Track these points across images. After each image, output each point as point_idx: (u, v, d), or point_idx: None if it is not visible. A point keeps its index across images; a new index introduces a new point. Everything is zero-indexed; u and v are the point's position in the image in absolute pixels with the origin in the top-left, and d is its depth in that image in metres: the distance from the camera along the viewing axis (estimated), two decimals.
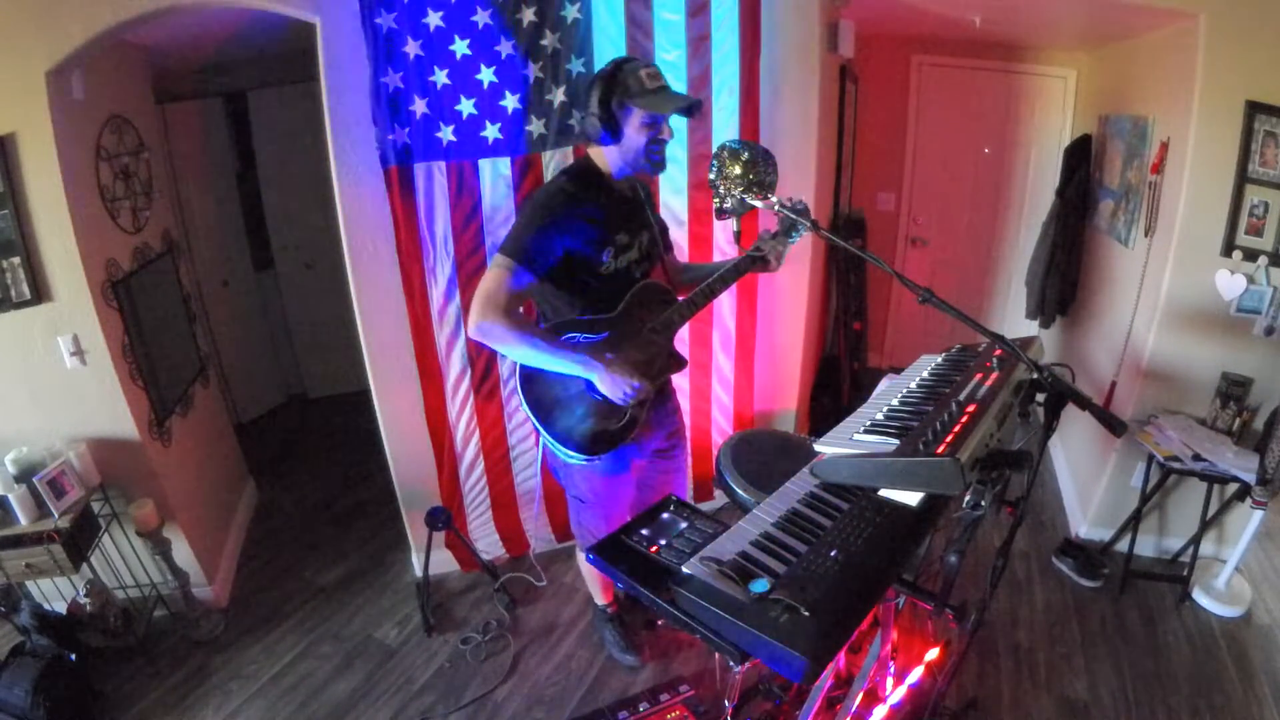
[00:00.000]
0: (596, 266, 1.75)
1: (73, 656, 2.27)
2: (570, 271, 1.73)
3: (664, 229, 2.03)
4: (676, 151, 2.46)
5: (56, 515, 2.22)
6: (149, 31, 2.50)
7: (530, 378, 1.78)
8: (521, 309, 1.70)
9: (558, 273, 1.72)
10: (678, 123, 2.14)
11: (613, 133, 1.69)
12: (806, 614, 0.97)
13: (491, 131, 2.28)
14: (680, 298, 1.89)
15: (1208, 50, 2.26)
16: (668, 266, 2.00)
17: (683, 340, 2.03)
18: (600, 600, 2.43)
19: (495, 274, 1.65)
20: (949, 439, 1.19)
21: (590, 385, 1.74)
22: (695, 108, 1.71)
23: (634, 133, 1.69)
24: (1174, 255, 2.46)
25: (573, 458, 1.80)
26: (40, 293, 2.23)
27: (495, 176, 2.35)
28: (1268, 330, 2.44)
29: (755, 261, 1.87)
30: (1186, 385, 2.61)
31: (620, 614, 2.45)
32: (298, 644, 2.58)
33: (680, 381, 2.68)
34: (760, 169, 1.83)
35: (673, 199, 2.58)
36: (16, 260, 2.18)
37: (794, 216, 1.65)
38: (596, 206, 1.73)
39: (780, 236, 1.90)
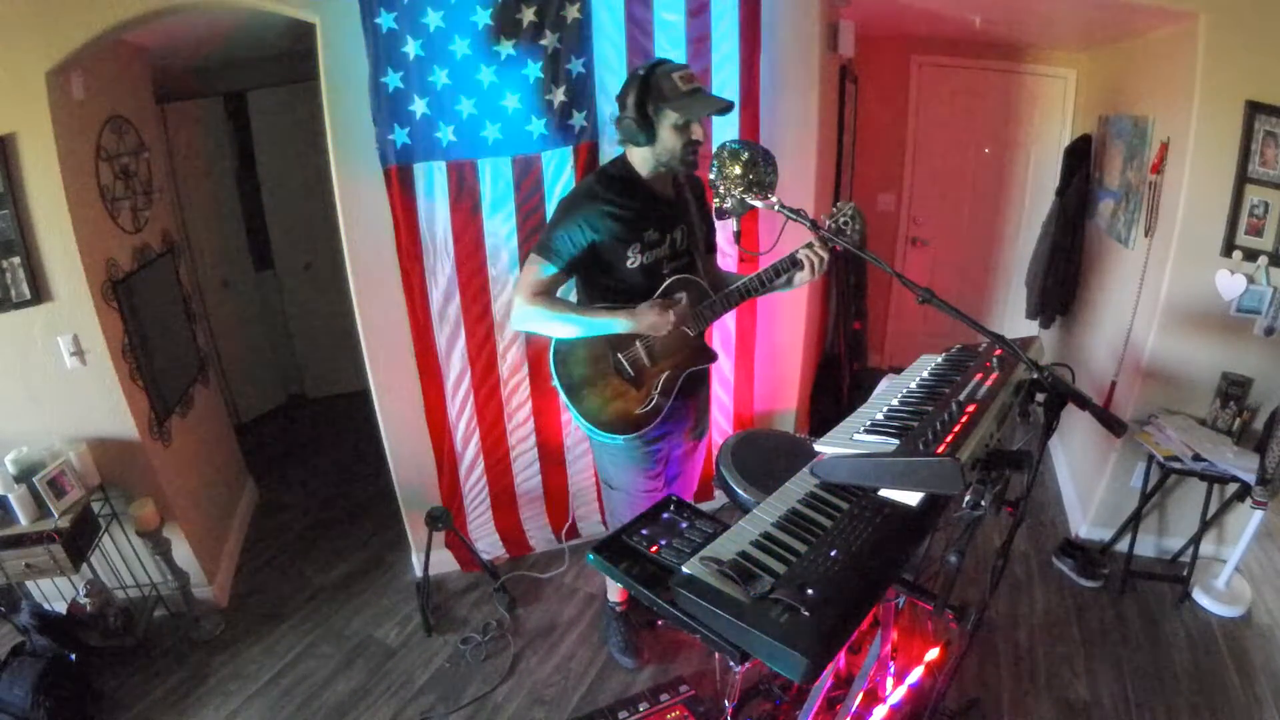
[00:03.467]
0: (623, 261, 1.84)
1: (73, 656, 2.27)
2: (597, 266, 1.84)
3: (708, 227, 2.09)
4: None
5: (56, 515, 2.21)
6: (149, 31, 2.50)
7: (563, 357, 1.91)
8: (556, 293, 1.85)
9: (585, 266, 1.84)
10: None
11: (648, 136, 1.75)
12: (806, 614, 0.97)
13: (491, 131, 2.28)
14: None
15: (1208, 50, 2.26)
16: (706, 267, 2.06)
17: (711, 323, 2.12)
18: (614, 597, 2.44)
19: (527, 270, 1.84)
20: (949, 439, 1.19)
21: (617, 367, 1.89)
22: (727, 110, 1.78)
23: (668, 135, 1.75)
24: (1174, 255, 2.46)
25: (598, 435, 1.93)
26: (40, 293, 2.23)
27: (495, 176, 2.35)
28: (1268, 330, 2.44)
29: (795, 264, 1.85)
30: (1186, 385, 2.61)
31: (628, 613, 2.46)
32: (298, 644, 2.58)
33: None
34: (760, 169, 1.83)
35: None
36: (16, 260, 2.18)
37: (793, 216, 1.64)
38: (623, 207, 1.81)
39: (824, 243, 1.87)
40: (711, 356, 2.04)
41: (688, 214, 1.97)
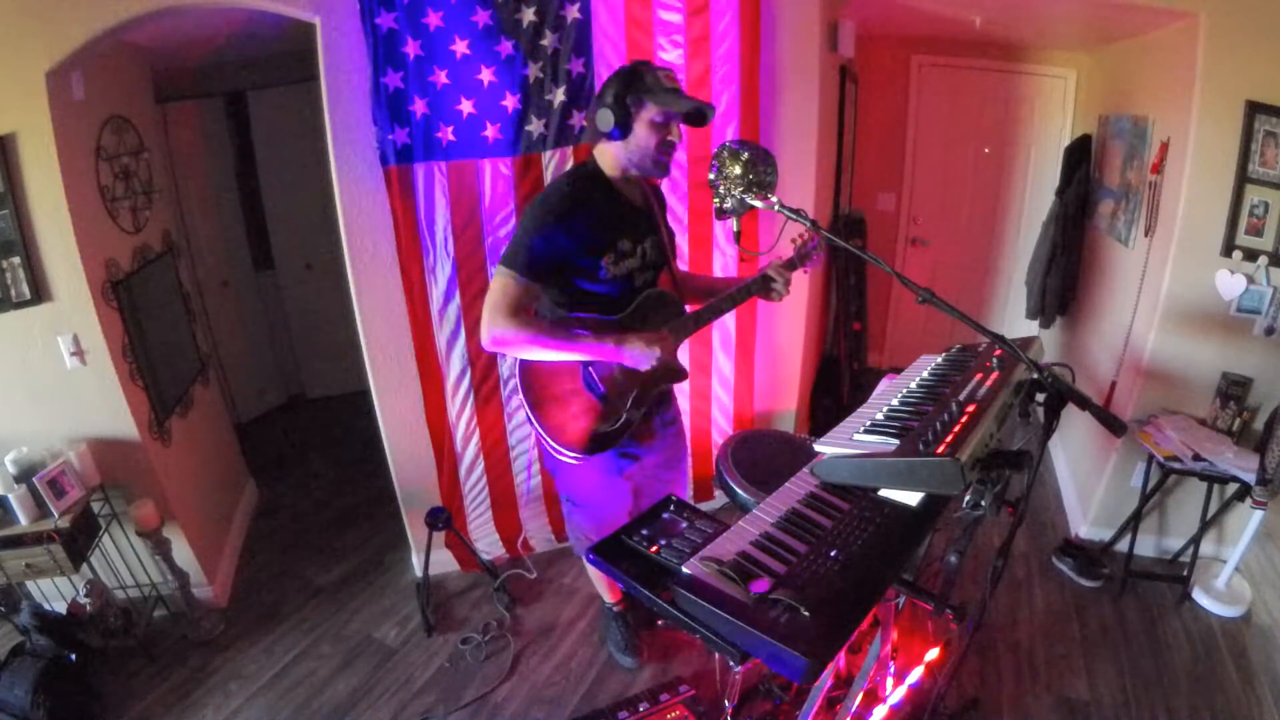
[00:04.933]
0: (595, 272, 1.74)
1: (73, 656, 2.27)
2: (570, 277, 1.73)
3: (671, 236, 2.02)
4: (678, 152, 2.47)
5: (56, 515, 2.21)
6: (149, 31, 2.50)
7: (529, 373, 1.79)
8: (529, 311, 1.71)
9: (558, 278, 1.72)
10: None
11: (623, 128, 1.67)
12: (806, 614, 0.97)
13: (491, 131, 2.28)
14: (688, 308, 1.90)
15: (1208, 50, 2.26)
16: (673, 275, 2.00)
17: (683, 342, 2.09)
18: (608, 599, 2.43)
19: (498, 284, 1.67)
20: (949, 439, 1.19)
21: (588, 383, 1.77)
22: (707, 111, 1.69)
23: (644, 130, 1.68)
24: (1174, 255, 2.46)
25: (564, 455, 1.81)
26: (40, 293, 2.23)
27: (495, 176, 2.35)
28: (1268, 330, 2.44)
29: (765, 283, 1.88)
30: (1186, 385, 2.61)
31: (625, 613, 2.45)
32: (298, 644, 2.58)
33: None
34: (760, 169, 1.83)
35: (672, 200, 2.58)
36: (16, 260, 2.18)
37: (793, 216, 1.64)
38: (596, 211, 1.72)
39: (790, 265, 1.91)
40: (682, 375, 1.97)
41: (656, 224, 1.90)
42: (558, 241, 1.67)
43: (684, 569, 1.11)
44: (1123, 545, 2.76)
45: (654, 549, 1.26)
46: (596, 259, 1.73)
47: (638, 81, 1.66)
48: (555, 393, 1.79)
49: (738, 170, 1.82)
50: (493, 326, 1.66)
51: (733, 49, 2.41)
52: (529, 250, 1.66)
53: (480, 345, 1.73)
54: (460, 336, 2.51)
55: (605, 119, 1.67)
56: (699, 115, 1.69)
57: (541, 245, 1.66)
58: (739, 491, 1.73)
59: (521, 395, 1.81)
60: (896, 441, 1.26)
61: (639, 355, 1.70)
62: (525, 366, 1.79)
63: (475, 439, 2.68)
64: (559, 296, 1.77)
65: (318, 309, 4.39)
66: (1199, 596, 2.60)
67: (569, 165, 2.39)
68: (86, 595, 2.44)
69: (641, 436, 1.97)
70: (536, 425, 1.81)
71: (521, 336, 1.65)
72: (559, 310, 1.79)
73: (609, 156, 1.76)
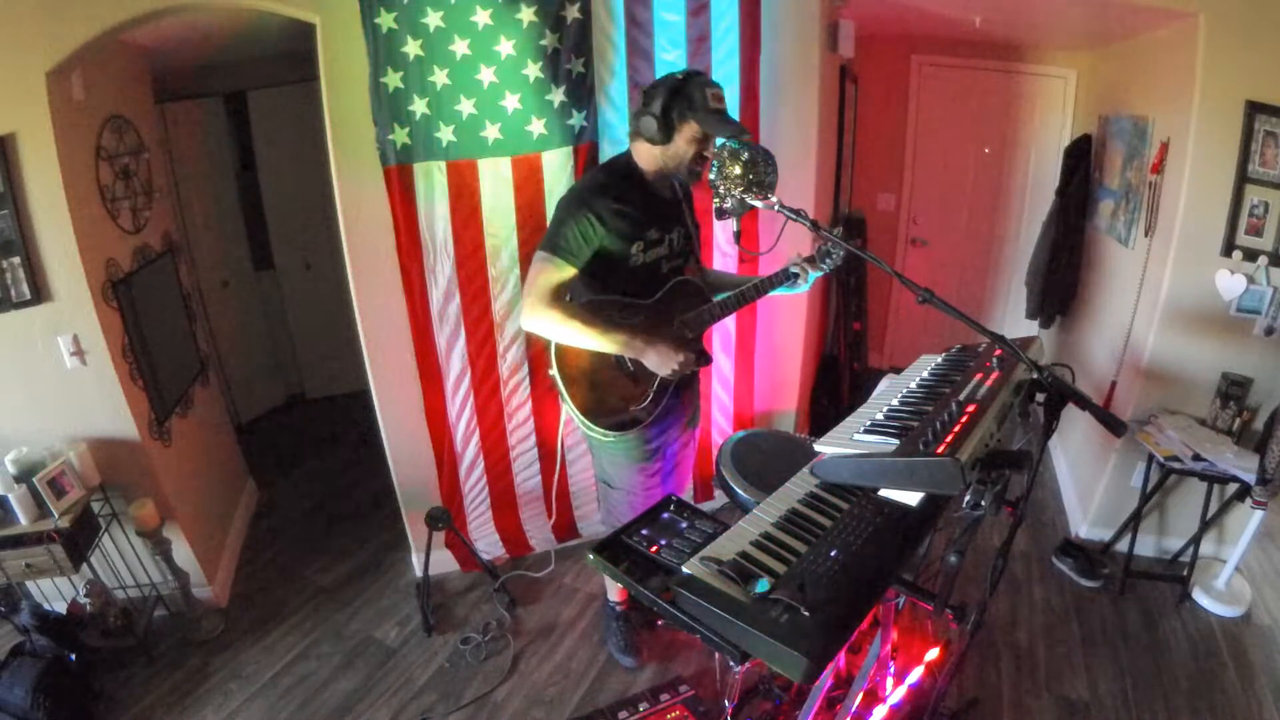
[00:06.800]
0: (625, 259, 1.84)
1: (73, 656, 2.27)
2: (601, 262, 1.83)
3: (697, 231, 2.11)
4: None
5: (56, 515, 2.21)
6: (149, 31, 2.50)
7: (563, 349, 1.87)
8: (567, 296, 1.82)
9: (591, 263, 1.82)
10: None
11: (666, 137, 1.79)
12: (806, 614, 0.97)
13: (491, 131, 2.28)
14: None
15: (1208, 50, 2.26)
16: (698, 267, 2.08)
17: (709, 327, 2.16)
18: (614, 596, 2.44)
19: (536, 269, 1.80)
20: (949, 439, 1.19)
21: (619, 360, 1.87)
22: (744, 137, 1.83)
23: (684, 143, 1.80)
24: (1174, 255, 2.46)
25: (593, 431, 1.90)
26: (40, 293, 2.23)
27: (495, 176, 2.35)
28: (1268, 330, 2.44)
29: (789, 277, 1.98)
30: (1186, 385, 2.61)
31: (628, 613, 2.46)
32: (298, 644, 2.58)
33: None
34: (760, 169, 1.84)
35: None
36: (16, 260, 2.18)
37: (793, 216, 1.64)
38: (628, 201, 1.82)
39: (814, 260, 1.99)
40: (708, 360, 2.04)
41: (683, 217, 2.00)
42: (590, 228, 1.77)
43: (684, 569, 1.11)
44: (1123, 545, 2.77)
45: (654, 549, 1.26)
46: (626, 246, 1.83)
47: (686, 97, 1.76)
48: (586, 369, 1.88)
49: (738, 170, 1.82)
50: (531, 309, 1.78)
51: (733, 49, 2.41)
52: (564, 236, 1.77)
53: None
54: (460, 336, 2.51)
55: (649, 126, 1.78)
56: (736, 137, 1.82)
57: (575, 232, 1.77)
58: (739, 491, 1.73)
59: (554, 371, 1.88)
60: (896, 441, 1.26)
61: (661, 360, 1.79)
62: (559, 345, 1.88)
63: (475, 439, 2.68)
64: (591, 279, 1.86)
65: (318, 309, 4.39)
66: (1199, 596, 2.60)
67: (569, 165, 2.39)
68: (86, 595, 2.45)
69: (669, 414, 2.03)
70: (568, 402, 1.89)
71: (557, 320, 1.76)
72: (589, 292, 1.88)
73: (646, 155, 1.86)
